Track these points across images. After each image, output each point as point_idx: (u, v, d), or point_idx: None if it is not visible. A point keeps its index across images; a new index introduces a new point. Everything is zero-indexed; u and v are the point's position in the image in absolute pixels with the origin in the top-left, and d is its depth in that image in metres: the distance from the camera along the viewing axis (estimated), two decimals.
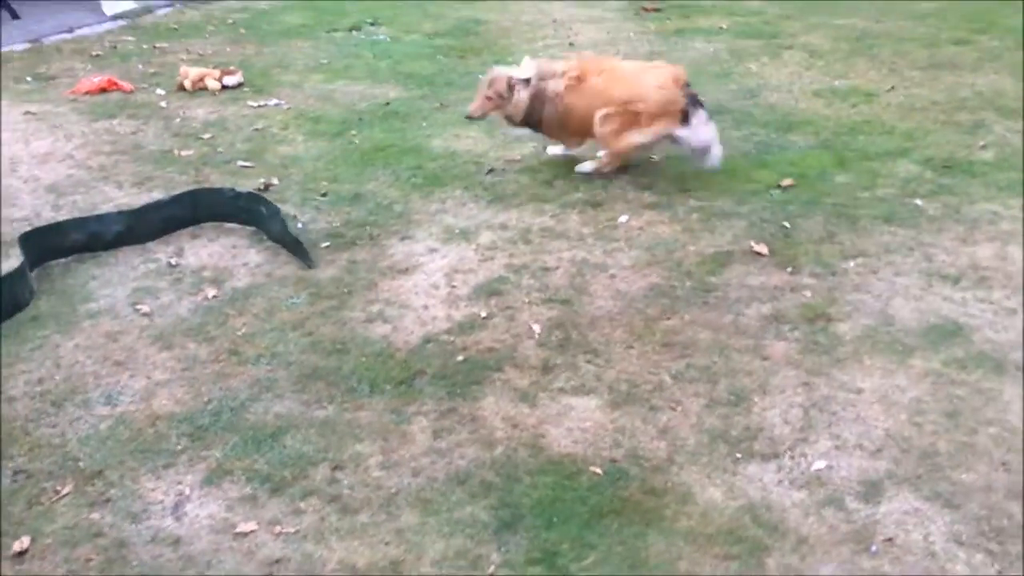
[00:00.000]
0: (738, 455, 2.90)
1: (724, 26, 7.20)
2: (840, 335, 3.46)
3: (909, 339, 3.42)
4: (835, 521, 2.65)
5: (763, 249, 4.03)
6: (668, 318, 3.59)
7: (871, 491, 2.74)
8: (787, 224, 4.23)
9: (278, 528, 2.65)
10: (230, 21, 7.50)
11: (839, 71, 6.24)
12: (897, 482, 2.77)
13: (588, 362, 3.35)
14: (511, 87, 4.66)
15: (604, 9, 7.74)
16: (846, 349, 3.38)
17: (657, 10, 7.65)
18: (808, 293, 3.72)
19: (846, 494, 2.74)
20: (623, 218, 4.33)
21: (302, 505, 2.73)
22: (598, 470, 2.84)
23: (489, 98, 4.70)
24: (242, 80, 6.13)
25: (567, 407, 3.13)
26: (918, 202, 4.42)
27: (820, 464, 2.85)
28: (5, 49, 6.79)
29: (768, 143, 5.12)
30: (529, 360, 3.37)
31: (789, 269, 3.89)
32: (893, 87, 5.93)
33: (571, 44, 6.83)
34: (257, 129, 5.39)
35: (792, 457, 2.89)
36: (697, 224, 4.27)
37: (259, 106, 5.76)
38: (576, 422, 3.06)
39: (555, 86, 4.61)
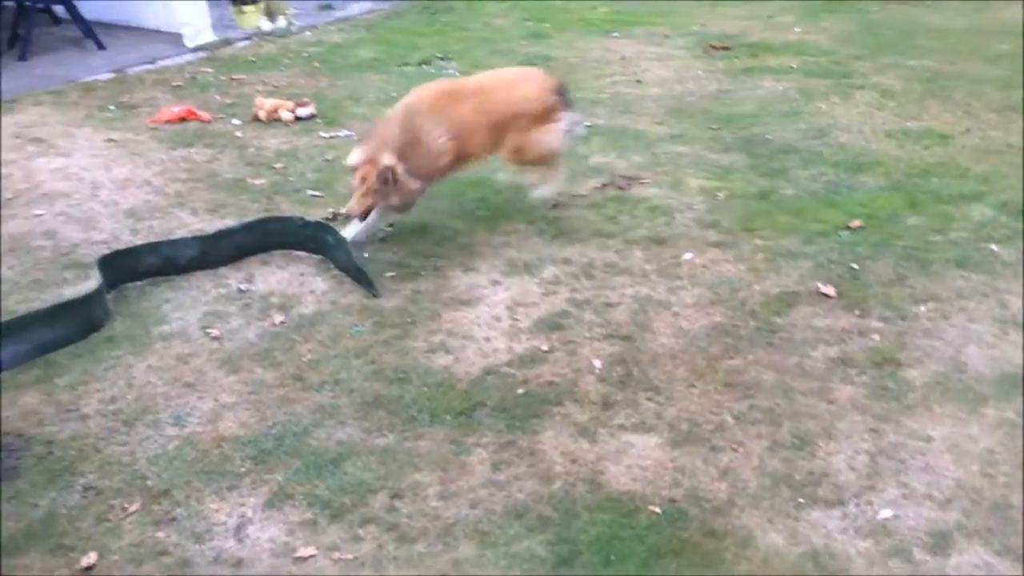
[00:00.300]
0: (801, 500, 2.84)
1: (793, 65, 7.16)
2: (909, 381, 3.38)
3: (982, 387, 3.33)
4: (901, 573, 2.58)
5: (830, 291, 3.97)
6: (731, 358, 3.55)
7: (940, 543, 2.67)
8: (856, 266, 4.17)
9: (337, 554, 2.67)
10: (305, 54, 7.70)
11: (912, 112, 6.15)
12: (967, 535, 2.69)
13: (649, 399, 3.33)
14: (393, 177, 4.16)
15: (672, 47, 7.76)
16: (916, 396, 3.30)
17: (726, 48, 7.64)
18: (877, 337, 3.65)
19: (913, 545, 2.66)
20: (687, 255, 4.31)
21: (361, 532, 2.75)
22: (657, 509, 2.82)
23: (368, 194, 4.19)
24: (315, 112, 6.27)
25: (627, 444, 3.11)
26: (993, 247, 4.31)
27: (887, 513, 2.78)
28: (91, 78, 7.06)
29: (837, 183, 5.06)
30: (589, 395, 3.36)
31: (857, 312, 3.82)
32: (968, 129, 5.82)
33: (638, 81, 6.86)
34: (327, 160, 5.51)
35: (858, 504, 2.82)
36: (762, 263, 4.23)
37: (330, 137, 5.88)
38: (635, 459, 3.04)
39: (430, 127, 4.27)
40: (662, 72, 7.09)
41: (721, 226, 4.59)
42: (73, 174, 5.29)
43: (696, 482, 2.93)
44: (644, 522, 2.77)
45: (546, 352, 3.61)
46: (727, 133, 5.83)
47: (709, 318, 3.82)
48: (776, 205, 4.82)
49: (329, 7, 9.28)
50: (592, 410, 3.28)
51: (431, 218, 4.72)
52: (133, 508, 2.85)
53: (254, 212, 4.80)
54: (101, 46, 7.82)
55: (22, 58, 7.56)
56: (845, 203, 4.80)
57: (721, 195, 4.93)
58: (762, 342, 3.65)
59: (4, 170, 5.32)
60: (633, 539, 2.71)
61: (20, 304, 3.95)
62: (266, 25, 8.38)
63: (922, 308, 3.83)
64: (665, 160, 5.43)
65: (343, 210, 4.34)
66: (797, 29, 8.25)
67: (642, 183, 5.12)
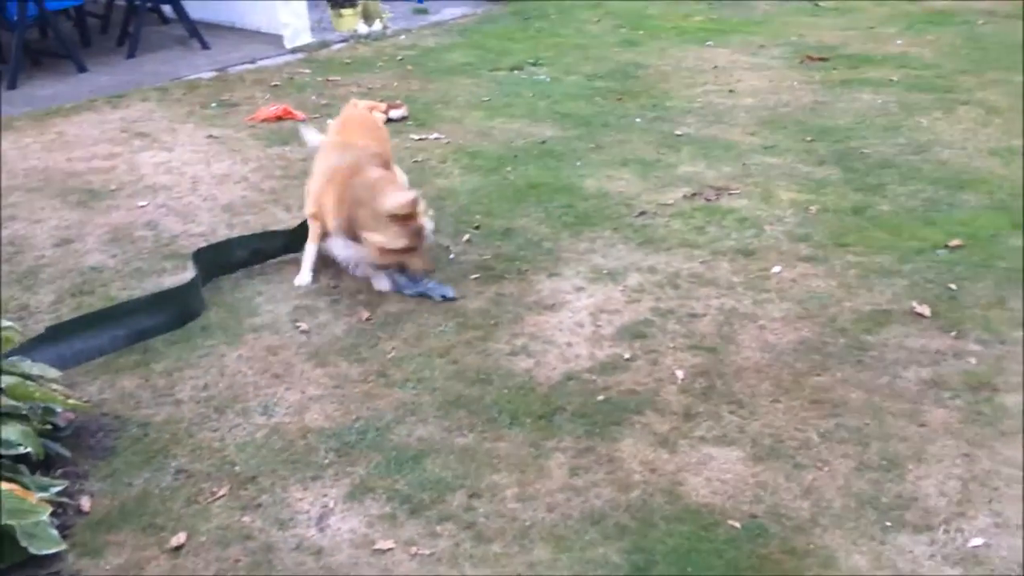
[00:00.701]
0: (887, 523, 2.77)
1: (894, 78, 6.97)
2: (1007, 407, 3.26)
3: None
4: None
5: (925, 310, 3.85)
6: (818, 375, 3.48)
7: None
8: (953, 286, 4.04)
9: (414, 549, 2.71)
10: (399, 58, 7.83)
11: (1019, 130, 5.92)
12: None
13: (731, 413, 3.29)
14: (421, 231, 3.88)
15: (768, 57, 7.64)
16: (1012, 423, 3.18)
17: (823, 59, 7.48)
18: (973, 360, 3.52)
19: None
20: (776, 269, 4.24)
21: (438, 529, 2.79)
22: (736, 524, 2.78)
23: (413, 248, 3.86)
24: (407, 114, 6.38)
25: (707, 456, 3.07)
26: None
27: (977, 541, 2.68)
28: (194, 76, 7.31)
29: (936, 200, 4.91)
30: (671, 406, 3.33)
31: (953, 333, 3.70)
32: None
33: (731, 90, 6.77)
34: (417, 161, 5.59)
35: (947, 531, 2.73)
36: (854, 280, 4.13)
37: (420, 139, 5.97)
38: (716, 472, 3.00)
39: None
40: (756, 82, 6.99)
41: (812, 240, 4.50)
42: (175, 168, 5.49)
43: (778, 499, 2.88)
44: (723, 536, 2.74)
45: (628, 360, 3.60)
46: (822, 146, 5.72)
47: (797, 333, 3.74)
48: (871, 221, 4.70)
49: (424, 11, 9.41)
50: (673, 420, 3.25)
51: (517, 222, 4.75)
52: (221, 492, 2.94)
53: None
54: (205, 45, 8.09)
55: (131, 55, 7.88)
56: (944, 221, 4.65)
57: (813, 209, 4.83)
58: (851, 360, 3.56)
59: (110, 162, 5.55)
60: (711, 553, 2.68)
61: (122, 291, 4.12)
62: (362, 28, 8.54)
63: (1022, 332, 3.68)
64: (756, 171, 5.35)
65: (431, 211, 4.39)
66: (899, 41, 8.02)
67: (731, 194, 5.05)
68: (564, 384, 3.46)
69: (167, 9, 8.59)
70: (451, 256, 4.41)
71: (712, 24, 8.80)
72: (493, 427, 3.23)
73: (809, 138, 5.84)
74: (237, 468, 3.05)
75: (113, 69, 7.59)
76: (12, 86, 7.03)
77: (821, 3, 9.53)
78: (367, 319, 3.90)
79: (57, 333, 3.59)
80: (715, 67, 7.39)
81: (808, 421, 3.23)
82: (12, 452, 2.75)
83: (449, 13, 9.37)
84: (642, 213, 4.84)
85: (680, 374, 3.50)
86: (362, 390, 3.45)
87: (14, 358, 3.12)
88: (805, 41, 8.08)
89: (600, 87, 6.96)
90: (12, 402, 2.89)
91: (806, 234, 4.57)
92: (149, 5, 8.33)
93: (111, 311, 3.79)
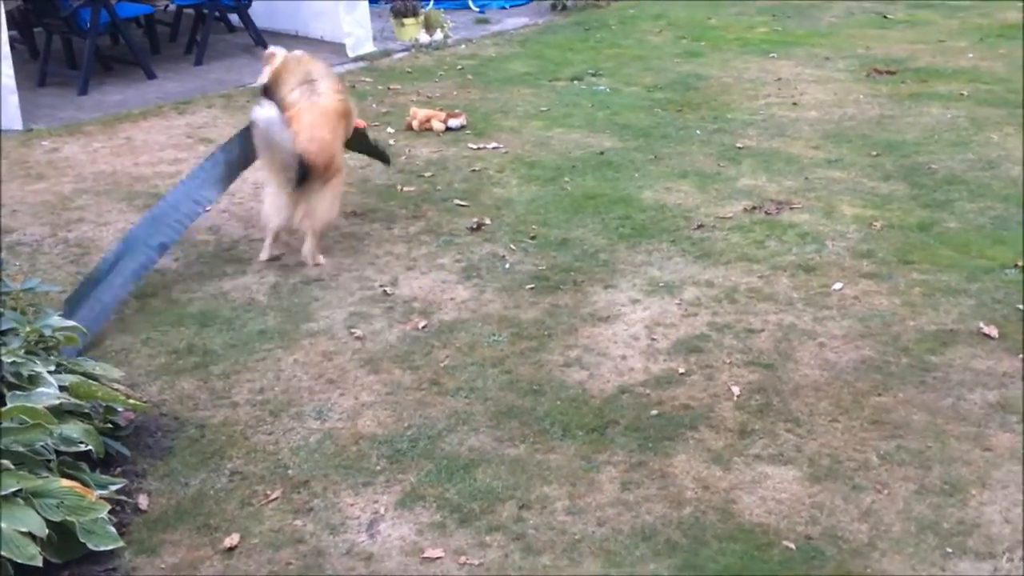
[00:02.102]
0: (949, 549, 2.68)
1: (965, 92, 6.80)
2: None
3: None
4: None
5: (993, 331, 3.74)
6: (879, 395, 3.40)
7: None
8: (1022, 307, 3.91)
9: (463, 559, 2.70)
10: (459, 67, 7.87)
11: None
12: None
13: (788, 431, 3.22)
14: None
15: (833, 69, 7.51)
16: None
17: (891, 72, 7.33)
18: None
19: None
20: (837, 285, 4.15)
21: (488, 539, 2.78)
22: (791, 544, 2.72)
23: None
24: (465, 123, 6.40)
25: (762, 475, 3.02)
26: None
27: None
28: (259, 83, 7.45)
29: (1006, 219, 4.76)
30: (726, 422, 3.28)
31: (1021, 356, 3.58)
32: None
33: (795, 103, 6.67)
34: (475, 170, 5.61)
35: (1011, 560, 2.64)
36: (919, 298, 4.03)
37: (478, 148, 5.99)
38: (771, 491, 2.94)
39: None
40: (820, 95, 6.88)
41: (876, 257, 4.41)
42: None
43: (835, 520, 2.81)
44: (777, 557, 2.68)
45: (683, 375, 3.56)
46: (887, 160, 5.60)
47: (858, 351, 3.66)
48: (937, 238, 4.58)
49: (485, 21, 9.47)
50: (728, 437, 3.20)
51: (573, 233, 4.73)
52: (274, 495, 2.97)
53: (402, 219, 4.94)
54: None
55: (198, 62, 8.05)
56: (1014, 240, 4.51)
57: (877, 224, 4.73)
58: (914, 380, 3.47)
59: (176, 167, 5.67)
60: (764, 573, 2.62)
61: (183, 294, 4.21)
62: (424, 38, 8.62)
63: None
64: (818, 185, 5.26)
65: (487, 220, 4.41)
66: (970, 55, 7.83)
67: (793, 208, 4.97)
68: (617, 397, 3.43)
69: (234, 18, 8.77)
70: (506, 265, 4.41)
71: (776, 36, 8.69)
72: (545, 438, 3.22)
73: (875, 152, 5.72)
74: (290, 472, 3.08)
75: (180, 76, 7.77)
76: (83, 92, 7.24)
77: (889, 15, 9.35)
78: (422, 327, 3.92)
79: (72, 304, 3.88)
80: (778, 79, 7.29)
81: (868, 442, 3.15)
82: (74, 449, 2.81)
83: (510, 23, 9.41)
84: (700, 226, 4.78)
85: (736, 390, 3.45)
86: (415, 398, 3.46)
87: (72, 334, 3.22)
88: (872, 54, 7.93)
89: (660, 98, 6.91)
90: (75, 400, 2.96)
91: (869, 250, 4.47)
92: (216, 14, 8.51)
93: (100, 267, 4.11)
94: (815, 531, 2.77)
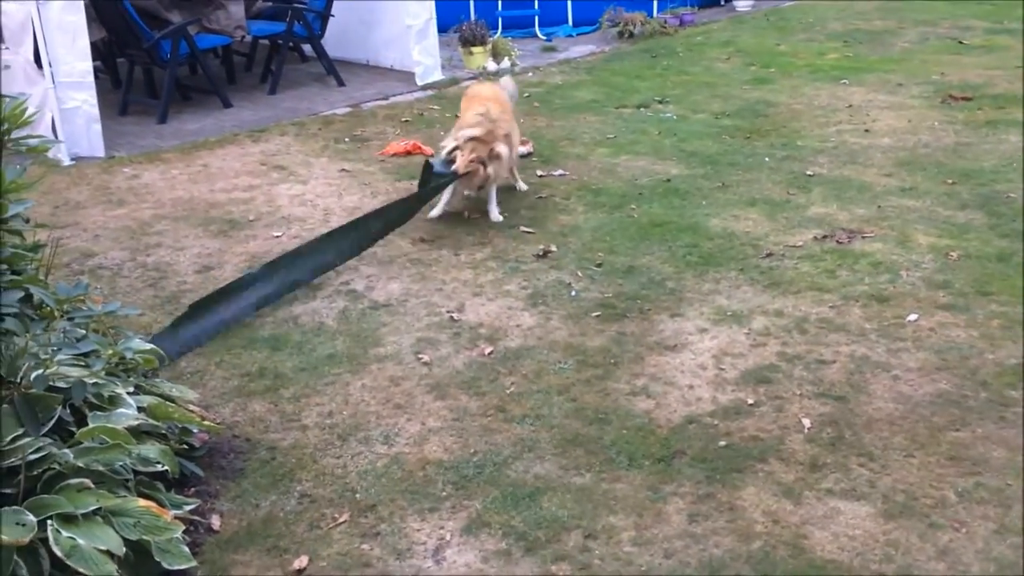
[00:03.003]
0: None
1: None
2: None
3: None
4: None
5: None
6: (957, 429, 3.30)
7: None
8: None
9: None
10: (526, 95, 7.93)
11: None
12: None
13: (861, 465, 3.15)
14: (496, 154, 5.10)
15: (907, 96, 7.38)
16: None
17: (967, 99, 7.17)
18: None
19: None
20: (912, 316, 4.06)
21: (553, 568, 2.77)
22: None
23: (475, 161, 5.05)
24: (531, 150, 6.44)
25: (834, 510, 2.95)
26: None
27: None
28: (330, 112, 7.61)
29: None
30: (796, 455, 3.22)
31: None
32: None
33: (867, 130, 6.56)
34: (541, 197, 5.63)
35: None
36: (998, 331, 3.91)
37: (544, 175, 6.02)
38: (843, 527, 2.88)
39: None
40: (894, 121, 6.76)
41: (953, 288, 4.30)
42: (309, 200, 5.70)
43: (910, 559, 2.73)
44: None
45: (752, 406, 3.51)
46: (964, 189, 5.47)
47: (934, 385, 3.57)
48: (1017, 269, 4.45)
49: (552, 49, 9.54)
50: (798, 470, 3.14)
51: (640, 261, 4.71)
52: (342, 519, 3.00)
53: (469, 245, 4.98)
54: (341, 83, 8.41)
55: (272, 91, 8.26)
56: None
57: (954, 255, 4.62)
58: (994, 416, 3.37)
59: (250, 194, 5.81)
60: None
61: (255, 318, 4.29)
62: (492, 66, 8.72)
63: None
64: (892, 214, 5.16)
65: (553, 247, 4.42)
66: None
67: (865, 237, 4.88)
68: (684, 427, 3.39)
69: (307, 48, 8.99)
70: (572, 292, 4.41)
71: (847, 62, 8.58)
72: (611, 468, 3.20)
73: (950, 180, 5.59)
74: (358, 495, 3.11)
75: (255, 104, 7.98)
76: (163, 120, 7.48)
77: (965, 40, 9.17)
78: (489, 353, 3.94)
79: (196, 310, 4.14)
80: (850, 106, 7.19)
81: (945, 478, 3.06)
82: (150, 469, 2.88)
83: (577, 51, 9.46)
84: (769, 254, 4.73)
85: (807, 422, 3.39)
86: (481, 424, 3.47)
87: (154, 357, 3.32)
88: (947, 80, 7.78)
89: (728, 125, 6.87)
90: (153, 421, 3.04)
91: (946, 281, 4.36)
92: (291, 45, 8.73)
93: (238, 283, 4.35)
94: (889, 569, 2.70)
